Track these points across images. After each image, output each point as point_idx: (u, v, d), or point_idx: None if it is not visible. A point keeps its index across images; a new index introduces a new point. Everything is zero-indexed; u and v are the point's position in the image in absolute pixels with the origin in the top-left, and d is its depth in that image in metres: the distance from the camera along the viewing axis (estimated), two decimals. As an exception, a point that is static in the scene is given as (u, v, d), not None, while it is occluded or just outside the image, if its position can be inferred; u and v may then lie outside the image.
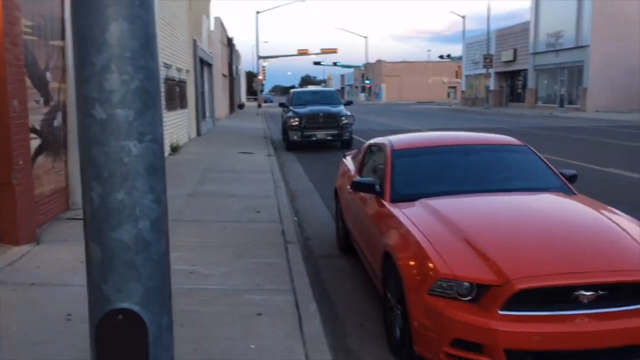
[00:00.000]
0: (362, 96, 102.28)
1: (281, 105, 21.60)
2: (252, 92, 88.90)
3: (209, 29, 29.72)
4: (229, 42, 45.27)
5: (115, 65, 1.79)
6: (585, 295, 3.25)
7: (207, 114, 26.32)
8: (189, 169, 12.58)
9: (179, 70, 17.54)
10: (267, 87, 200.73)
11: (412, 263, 3.71)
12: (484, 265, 3.43)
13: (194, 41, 20.96)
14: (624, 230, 3.83)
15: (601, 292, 3.26)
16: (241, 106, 56.10)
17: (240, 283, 5.12)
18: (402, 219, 4.23)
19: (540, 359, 3.27)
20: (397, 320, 3.95)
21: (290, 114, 18.41)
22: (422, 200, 4.49)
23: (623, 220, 4.09)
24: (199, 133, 21.61)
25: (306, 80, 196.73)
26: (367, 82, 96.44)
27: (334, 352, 3.98)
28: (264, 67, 61.22)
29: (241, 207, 8.44)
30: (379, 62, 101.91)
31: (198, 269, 5.47)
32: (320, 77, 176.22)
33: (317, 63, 79.00)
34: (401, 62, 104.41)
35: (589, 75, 39.37)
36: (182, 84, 18.28)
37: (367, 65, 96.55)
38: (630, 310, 3.28)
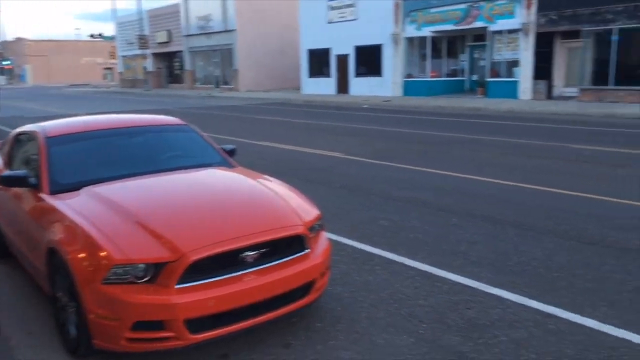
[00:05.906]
0: (1, 79, 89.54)
1: None
2: None
3: None
4: None
5: None
6: (250, 255, 3.63)
7: None
8: None
9: None
10: None
11: (82, 255, 3.50)
12: (158, 244, 3.48)
13: None
14: (276, 193, 4.39)
15: (263, 250, 3.69)
16: None
17: None
18: (66, 210, 3.93)
19: (217, 320, 3.53)
20: (71, 318, 3.70)
21: None
22: (86, 189, 4.25)
23: (275, 185, 4.68)
24: None
25: None
26: (6, 62, 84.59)
27: (-1, 372, 3.50)
28: None
29: None
30: (19, 40, 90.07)
31: None
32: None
33: None
34: (48, 40, 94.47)
35: (238, 58, 42.89)
36: None
37: (5, 44, 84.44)
38: (286, 261, 3.81)
